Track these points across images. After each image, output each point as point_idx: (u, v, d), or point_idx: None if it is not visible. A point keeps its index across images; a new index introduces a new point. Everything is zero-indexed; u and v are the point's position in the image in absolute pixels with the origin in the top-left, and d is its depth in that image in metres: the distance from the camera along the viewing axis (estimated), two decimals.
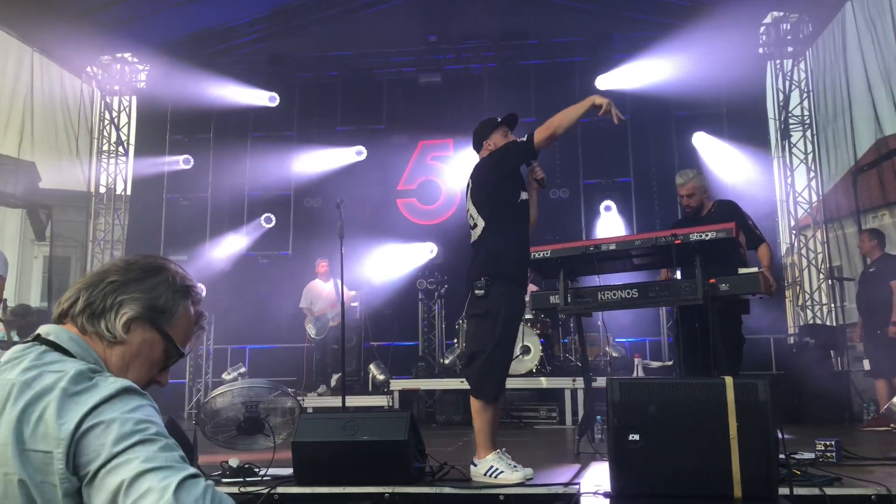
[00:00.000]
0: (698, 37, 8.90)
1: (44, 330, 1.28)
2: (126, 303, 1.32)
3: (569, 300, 4.46)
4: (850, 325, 8.62)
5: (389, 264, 10.13)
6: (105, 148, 11.71)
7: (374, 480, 3.27)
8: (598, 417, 4.80)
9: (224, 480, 3.51)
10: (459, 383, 7.47)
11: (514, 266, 3.73)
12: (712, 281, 4.13)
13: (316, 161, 10.84)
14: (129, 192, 11.70)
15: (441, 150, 10.88)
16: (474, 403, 3.62)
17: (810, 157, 10.32)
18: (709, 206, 5.06)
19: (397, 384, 8.07)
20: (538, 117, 9.52)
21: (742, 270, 4.43)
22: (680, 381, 3.27)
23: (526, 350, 7.57)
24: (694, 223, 4.64)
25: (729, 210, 4.96)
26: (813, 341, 8.06)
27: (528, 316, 7.41)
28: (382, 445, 3.32)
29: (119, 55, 11.36)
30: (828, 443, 3.87)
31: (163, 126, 11.47)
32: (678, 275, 4.75)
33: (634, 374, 7.61)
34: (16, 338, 7.46)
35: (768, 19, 10.49)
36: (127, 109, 11.87)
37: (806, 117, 10.41)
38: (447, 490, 3.26)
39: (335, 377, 8.59)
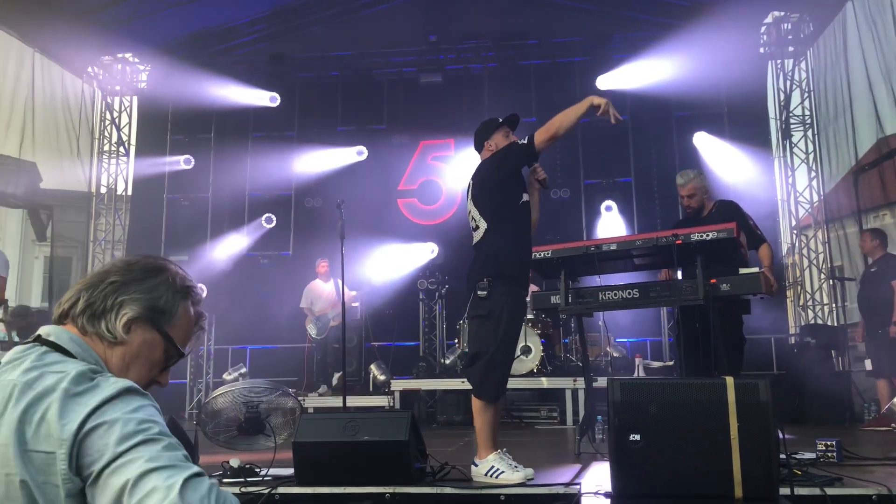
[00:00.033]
0: (699, 37, 8.89)
1: (44, 331, 1.28)
2: (126, 303, 1.32)
3: (570, 300, 4.46)
4: (851, 325, 8.61)
5: (390, 264, 10.13)
6: (106, 148, 11.72)
7: (374, 480, 3.27)
8: (599, 417, 4.80)
9: (225, 481, 3.51)
10: (460, 383, 7.47)
11: (515, 267, 3.74)
12: (713, 281, 4.13)
13: (317, 161, 10.84)
14: (129, 193, 11.71)
15: (442, 150, 10.88)
16: (475, 403, 3.62)
17: (811, 156, 10.32)
18: (709, 206, 5.06)
19: (398, 384, 8.07)
20: (538, 117, 9.53)
21: (743, 270, 4.43)
22: (681, 381, 3.27)
23: (527, 350, 7.57)
24: (695, 223, 4.64)
25: (730, 210, 4.96)
26: (814, 341, 8.06)
27: (529, 316, 7.41)
28: (383, 446, 3.32)
29: (120, 55, 11.36)
30: (829, 443, 3.87)
31: (163, 126, 11.47)
32: (679, 275, 4.75)
33: (635, 375, 7.61)
34: (16, 338, 7.47)
35: (769, 19, 10.49)
36: (128, 109, 11.88)
37: (807, 117, 10.41)
38: (448, 490, 3.26)
39: (336, 376, 8.59)
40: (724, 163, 9.93)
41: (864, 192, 9.32)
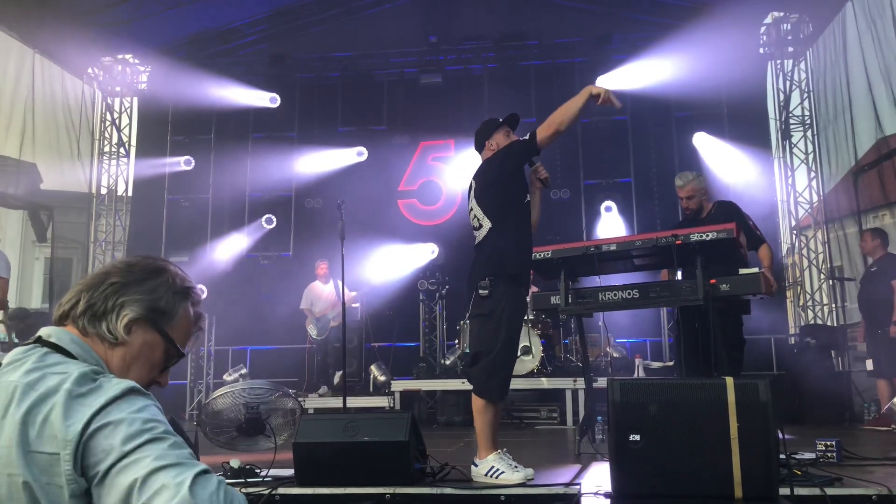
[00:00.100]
0: (698, 37, 8.89)
1: (45, 332, 1.28)
2: (127, 304, 1.32)
3: (570, 301, 4.47)
4: (851, 326, 8.62)
5: (390, 265, 10.13)
6: (106, 149, 11.72)
7: (375, 481, 3.27)
8: (599, 418, 4.81)
9: (225, 482, 3.51)
10: (461, 384, 7.47)
11: (517, 266, 3.74)
12: (713, 281, 4.13)
13: (317, 162, 10.85)
14: (130, 194, 11.72)
15: (442, 151, 10.88)
16: (476, 403, 3.62)
17: (811, 157, 10.32)
18: (708, 207, 5.06)
19: (398, 385, 8.08)
20: (538, 118, 9.44)
21: (743, 271, 4.44)
22: (680, 381, 3.28)
23: (527, 350, 7.57)
24: (694, 225, 4.64)
25: (729, 211, 4.96)
26: (814, 341, 8.06)
27: (529, 316, 7.41)
28: (383, 446, 3.33)
29: (120, 56, 11.37)
30: (828, 443, 3.87)
31: (164, 127, 11.48)
32: (678, 275, 4.75)
33: (635, 375, 7.61)
34: (16, 340, 7.47)
35: (769, 19, 10.49)
36: (128, 110, 11.89)
37: (806, 117, 10.41)
38: (448, 491, 3.26)
39: (338, 374, 8.59)
40: (724, 163, 9.93)
41: (864, 193, 9.33)
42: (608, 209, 10.30)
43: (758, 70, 10.53)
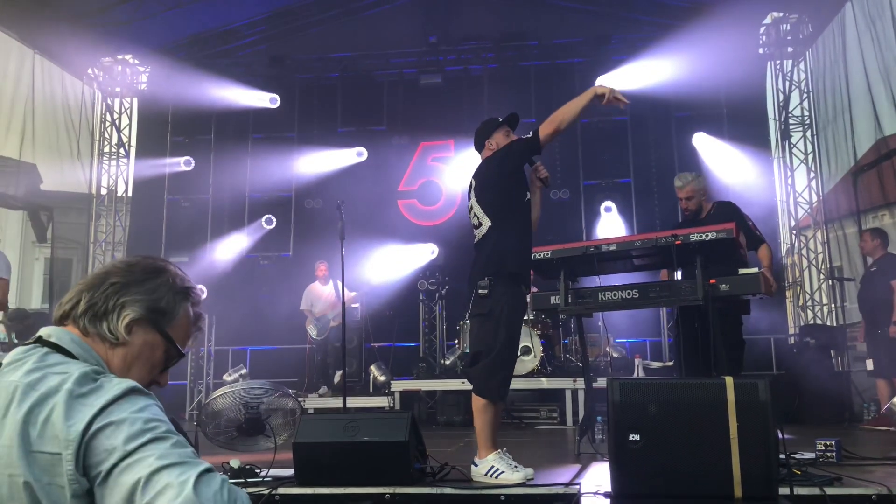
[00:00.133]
0: (698, 37, 8.89)
1: (45, 332, 1.28)
2: (128, 304, 1.33)
3: (569, 301, 4.47)
4: (851, 326, 8.63)
5: (390, 265, 10.13)
6: (106, 149, 11.72)
7: (374, 481, 3.28)
8: (599, 418, 4.81)
9: (228, 480, 3.51)
10: (460, 384, 7.48)
11: (517, 265, 3.74)
12: (712, 281, 4.14)
13: (317, 162, 10.85)
14: (130, 194, 11.72)
15: (442, 151, 10.88)
16: (476, 403, 3.62)
17: (810, 157, 10.33)
18: (708, 207, 5.07)
19: (398, 385, 8.09)
20: (538, 118, 9.45)
21: (742, 271, 4.44)
22: (680, 381, 3.28)
23: (527, 350, 7.57)
24: (694, 225, 4.65)
25: (728, 211, 4.97)
26: (813, 341, 8.06)
27: (528, 316, 7.42)
28: (383, 446, 3.33)
29: (120, 57, 11.37)
30: (828, 443, 3.88)
31: (164, 127, 11.48)
32: (677, 275, 4.75)
33: (635, 375, 7.61)
34: (15, 341, 7.47)
35: (768, 20, 10.50)
36: (128, 111, 11.89)
37: (806, 118, 10.42)
38: (448, 490, 3.27)
39: (338, 374, 8.60)
40: (724, 163, 9.94)
41: (863, 193, 9.34)
42: (608, 209, 10.31)
43: (757, 70, 10.54)
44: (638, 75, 9.97)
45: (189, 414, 9.46)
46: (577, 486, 3.22)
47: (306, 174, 10.89)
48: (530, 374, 7.61)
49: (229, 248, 10.88)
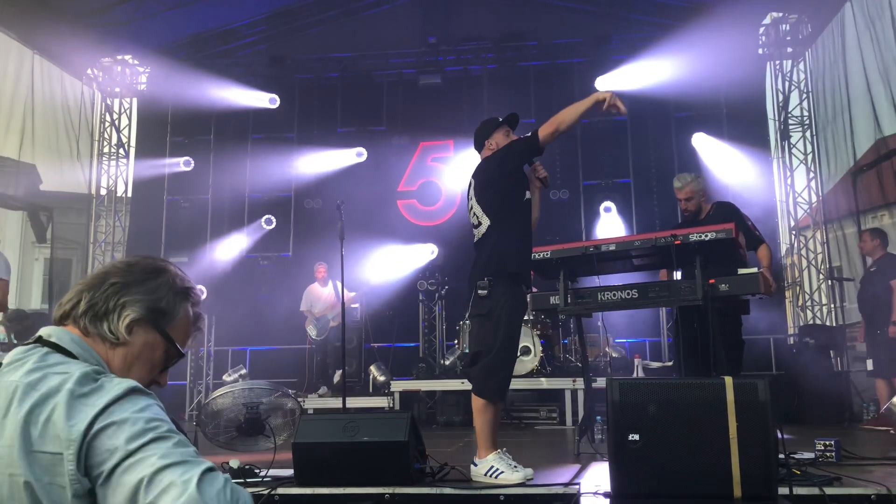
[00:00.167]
0: (697, 38, 8.90)
1: (45, 332, 1.28)
2: (128, 305, 1.33)
3: (569, 301, 4.47)
4: (850, 326, 8.63)
5: (390, 265, 10.13)
6: (106, 150, 11.72)
7: (374, 481, 3.28)
8: (599, 418, 4.81)
9: (231, 479, 3.51)
10: (460, 384, 7.48)
11: (517, 265, 3.74)
12: (712, 281, 4.14)
13: (316, 162, 10.85)
14: (129, 194, 11.72)
15: (441, 152, 10.89)
16: (476, 403, 3.63)
17: (810, 157, 10.33)
18: (707, 208, 5.07)
19: (398, 385, 8.09)
20: (538, 118, 9.52)
21: (742, 271, 4.44)
22: (680, 381, 3.28)
23: (526, 351, 7.58)
24: (693, 226, 4.65)
25: (728, 212, 4.97)
26: (813, 341, 8.06)
27: (528, 317, 7.42)
28: (383, 446, 3.33)
29: (119, 57, 11.37)
30: (827, 443, 3.88)
31: (163, 128, 11.48)
32: (676, 275, 4.76)
33: (634, 375, 7.62)
34: (14, 341, 7.47)
35: (767, 20, 10.50)
36: (127, 111, 11.88)
37: (805, 118, 10.42)
38: (447, 490, 3.27)
39: (337, 373, 8.60)
40: (723, 164, 9.94)
41: (863, 193, 9.34)
42: (607, 209, 10.31)
43: (757, 70, 10.54)
44: (637, 75, 9.98)
45: (189, 414, 9.45)
46: (577, 486, 3.22)
47: (306, 174, 10.89)
48: (530, 375, 7.61)
49: (229, 249, 10.88)
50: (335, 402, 7.87)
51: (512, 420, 7.58)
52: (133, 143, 11.82)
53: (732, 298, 4.39)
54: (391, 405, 7.89)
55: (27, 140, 10.16)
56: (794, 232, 10.39)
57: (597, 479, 3.45)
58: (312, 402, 8.09)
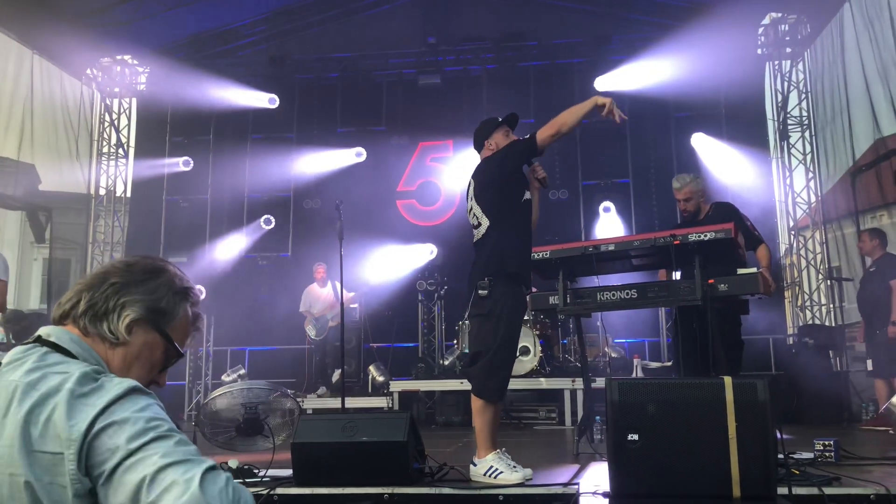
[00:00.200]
0: (697, 38, 8.90)
1: (44, 331, 1.28)
2: (129, 305, 1.33)
3: (568, 301, 4.47)
4: (849, 326, 8.64)
5: (389, 266, 10.13)
6: (105, 150, 11.71)
7: (373, 481, 3.28)
8: (598, 418, 4.81)
9: (233, 478, 3.51)
10: (459, 384, 7.48)
11: (517, 265, 3.75)
12: (711, 281, 4.14)
13: (315, 162, 10.84)
14: (128, 194, 11.71)
15: (441, 152, 10.88)
16: (475, 403, 3.63)
17: (809, 157, 10.33)
18: (706, 209, 5.07)
19: (397, 385, 8.09)
20: (537, 118, 9.54)
21: (741, 271, 4.44)
22: (679, 381, 3.28)
23: (525, 351, 7.58)
24: (692, 226, 4.65)
25: (727, 212, 4.97)
26: (812, 342, 8.07)
27: (527, 317, 7.42)
28: (382, 446, 3.33)
29: (119, 57, 11.36)
30: (826, 443, 3.88)
31: (163, 128, 11.47)
32: (675, 276, 4.76)
33: (633, 375, 7.62)
34: (13, 341, 7.47)
35: (767, 20, 10.50)
36: (127, 111, 11.87)
37: (804, 118, 10.43)
38: (447, 490, 3.27)
39: (336, 372, 8.60)
40: (722, 164, 9.95)
41: (861, 193, 9.35)
42: (606, 209, 10.31)
43: (756, 71, 10.54)
44: (637, 75, 9.98)
45: (187, 414, 9.45)
46: (576, 486, 3.22)
47: (305, 174, 10.88)
48: (529, 375, 7.61)
49: (228, 249, 10.87)
50: (334, 403, 7.86)
51: (511, 420, 7.58)
52: (132, 143, 11.81)
53: (731, 298, 4.40)
54: (390, 405, 7.89)
55: (26, 140, 10.15)
56: (793, 232, 10.39)
57: (596, 479, 3.45)
58: (311, 403, 8.09)
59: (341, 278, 5.67)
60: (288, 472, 3.52)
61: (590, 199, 10.52)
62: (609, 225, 10.22)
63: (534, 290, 5.14)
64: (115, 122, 11.75)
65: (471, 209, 3.89)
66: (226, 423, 4.75)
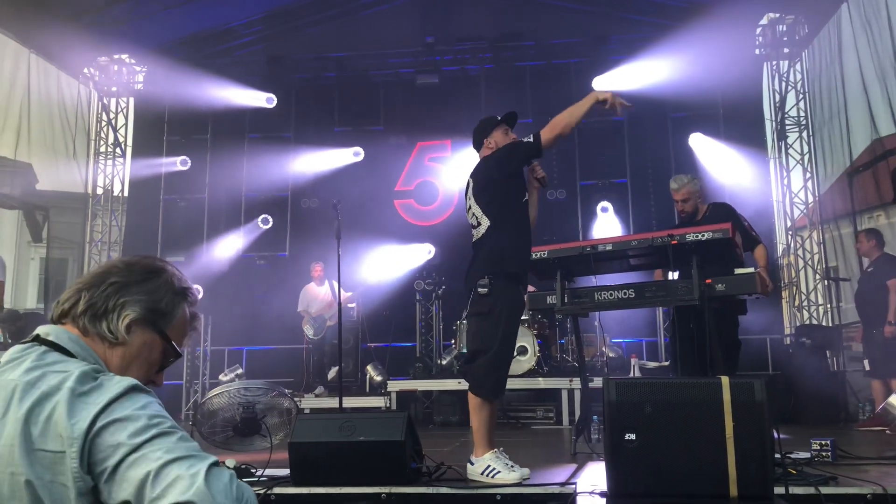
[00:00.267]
0: (695, 38, 8.90)
1: (43, 330, 1.28)
2: (128, 304, 1.33)
3: (566, 300, 4.48)
4: (846, 326, 8.65)
5: (387, 265, 10.13)
6: (102, 149, 11.69)
7: (370, 481, 3.28)
8: (595, 417, 4.81)
9: (235, 475, 3.51)
10: (457, 384, 7.48)
11: (516, 264, 3.76)
12: (709, 281, 4.15)
13: (313, 162, 10.83)
14: (126, 194, 11.69)
15: (439, 151, 10.88)
16: (472, 401, 3.63)
17: (806, 157, 10.35)
18: (703, 209, 5.09)
19: (394, 385, 8.09)
20: (535, 118, 9.56)
21: (738, 271, 4.45)
22: (676, 380, 3.29)
23: (523, 350, 7.58)
24: (690, 227, 4.66)
25: (724, 212, 4.98)
26: (809, 341, 8.08)
27: (525, 316, 7.42)
28: (379, 446, 3.33)
29: (116, 56, 11.34)
30: (823, 442, 3.89)
31: (160, 127, 11.45)
32: (671, 275, 4.76)
33: (631, 375, 7.62)
34: (9, 341, 7.45)
35: (764, 20, 10.51)
36: (124, 111, 11.85)
37: (802, 118, 10.44)
38: (444, 490, 3.27)
39: (333, 369, 8.60)
40: (720, 164, 9.95)
41: (859, 194, 9.36)
42: (604, 209, 10.32)
43: (754, 71, 10.55)
44: (635, 76, 9.97)
45: (185, 414, 9.44)
46: (573, 486, 3.22)
47: (303, 174, 10.87)
48: (527, 374, 7.62)
49: (225, 248, 10.85)
50: (332, 402, 7.86)
51: (509, 420, 7.58)
52: (130, 142, 11.79)
53: (729, 298, 4.40)
54: (388, 405, 7.89)
55: (23, 139, 10.12)
56: (790, 232, 10.41)
57: (593, 478, 3.46)
58: (309, 402, 8.09)
59: (339, 278, 5.67)
60: (285, 472, 3.52)
61: (587, 198, 10.53)
62: (607, 225, 10.22)
63: (531, 289, 5.15)
64: (113, 122, 11.73)
65: (469, 208, 3.89)
66: (223, 423, 4.75)
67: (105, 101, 11.66)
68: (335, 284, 7.49)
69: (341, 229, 5.50)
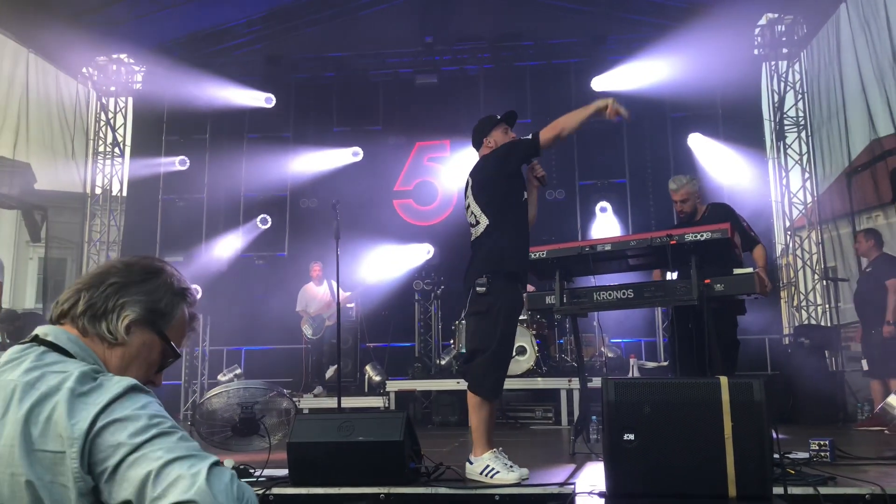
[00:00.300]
0: (694, 38, 8.91)
1: (42, 331, 1.28)
2: (128, 305, 1.33)
3: (564, 301, 4.48)
4: (845, 326, 8.66)
5: (386, 265, 10.13)
6: (101, 149, 11.68)
7: (369, 481, 3.27)
8: (594, 417, 4.81)
9: (236, 474, 3.50)
10: (456, 384, 7.48)
11: (515, 263, 3.75)
12: (707, 281, 4.15)
13: (312, 162, 10.83)
14: (124, 194, 11.68)
15: (437, 151, 10.88)
16: (471, 400, 3.63)
17: (805, 158, 10.36)
18: (702, 210, 5.09)
19: (393, 385, 8.09)
20: (534, 118, 9.57)
21: (737, 271, 4.45)
22: (675, 380, 3.29)
23: (522, 350, 7.58)
24: (689, 227, 4.66)
25: (723, 213, 4.99)
26: (808, 342, 8.09)
27: (523, 316, 7.42)
28: (378, 446, 3.33)
29: (115, 56, 11.33)
30: (822, 442, 3.89)
31: (159, 127, 11.44)
32: (670, 275, 4.76)
33: (630, 375, 7.63)
34: (8, 341, 7.45)
35: (763, 21, 10.52)
36: (123, 110, 11.84)
37: (800, 118, 10.45)
38: (443, 490, 3.26)
39: (331, 368, 8.59)
40: (719, 164, 9.96)
41: (857, 194, 9.36)
42: (603, 209, 10.33)
43: (752, 71, 10.56)
44: (634, 76, 9.99)
45: (183, 414, 9.44)
46: (572, 486, 3.22)
47: (302, 174, 10.87)
48: (525, 374, 7.62)
49: (224, 248, 10.85)
50: (330, 402, 7.86)
51: (507, 420, 7.58)
52: (128, 142, 11.78)
53: (728, 298, 4.41)
54: (386, 405, 7.90)
55: (22, 139, 10.11)
56: (789, 232, 10.42)
57: (592, 478, 3.45)
58: (307, 402, 8.09)
59: (338, 277, 5.67)
60: (284, 472, 3.51)
61: (586, 199, 10.53)
62: (605, 225, 10.23)
63: (530, 288, 5.15)
64: (112, 121, 11.72)
65: (468, 207, 3.88)
66: (222, 423, 4.75)
67: (104, 100, 11.65)
68: (334, 284, 7.49)
69: (340, 229, 5.50)
